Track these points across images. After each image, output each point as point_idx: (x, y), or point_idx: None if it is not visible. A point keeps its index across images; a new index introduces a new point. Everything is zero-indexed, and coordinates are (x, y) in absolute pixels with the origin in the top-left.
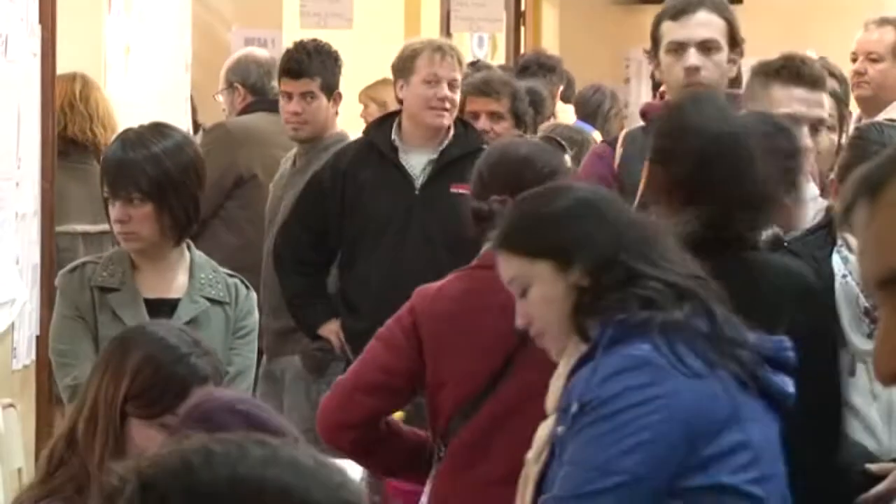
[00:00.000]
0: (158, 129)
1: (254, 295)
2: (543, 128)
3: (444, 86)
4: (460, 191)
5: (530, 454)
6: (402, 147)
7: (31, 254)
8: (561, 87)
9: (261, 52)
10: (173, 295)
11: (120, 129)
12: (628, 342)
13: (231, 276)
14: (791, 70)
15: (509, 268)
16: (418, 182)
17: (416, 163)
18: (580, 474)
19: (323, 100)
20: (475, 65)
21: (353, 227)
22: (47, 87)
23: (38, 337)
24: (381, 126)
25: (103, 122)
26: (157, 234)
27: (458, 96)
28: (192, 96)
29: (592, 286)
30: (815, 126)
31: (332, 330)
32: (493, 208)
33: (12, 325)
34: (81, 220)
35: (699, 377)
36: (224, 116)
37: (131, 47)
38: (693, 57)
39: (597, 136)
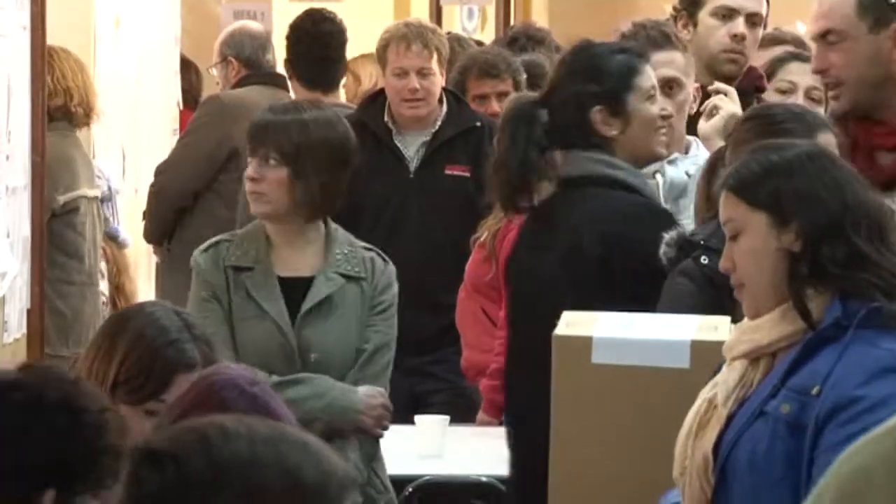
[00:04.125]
0: (313, 102)
1: (392, 268)
2: None
3: (412, 77)
4: (455, 173)
5: (713, 394)
6: (396, 129)
7: (22, 227)
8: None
9: (255, 26)
10: (308, 273)
11: (104, 102)
12: (883, 334)
13: (369, 249)
14: (632, 39)
15: (728, 209)
16: (412, 165)
17: (410, 145)
18: None
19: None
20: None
21: (349, 209)
22: (37, 61)
23: (28, 311)
24: (373, 106)
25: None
26: (287, 203)
27: (434, 80)
28: (199, 70)
29: (807, 254)
30: (667, 86)
31: None
32: None
33: (3, 298)
34: (87, 186)
35: None
36: (217, 89)
37: (121, 20)
38: (742, 25)
39: None
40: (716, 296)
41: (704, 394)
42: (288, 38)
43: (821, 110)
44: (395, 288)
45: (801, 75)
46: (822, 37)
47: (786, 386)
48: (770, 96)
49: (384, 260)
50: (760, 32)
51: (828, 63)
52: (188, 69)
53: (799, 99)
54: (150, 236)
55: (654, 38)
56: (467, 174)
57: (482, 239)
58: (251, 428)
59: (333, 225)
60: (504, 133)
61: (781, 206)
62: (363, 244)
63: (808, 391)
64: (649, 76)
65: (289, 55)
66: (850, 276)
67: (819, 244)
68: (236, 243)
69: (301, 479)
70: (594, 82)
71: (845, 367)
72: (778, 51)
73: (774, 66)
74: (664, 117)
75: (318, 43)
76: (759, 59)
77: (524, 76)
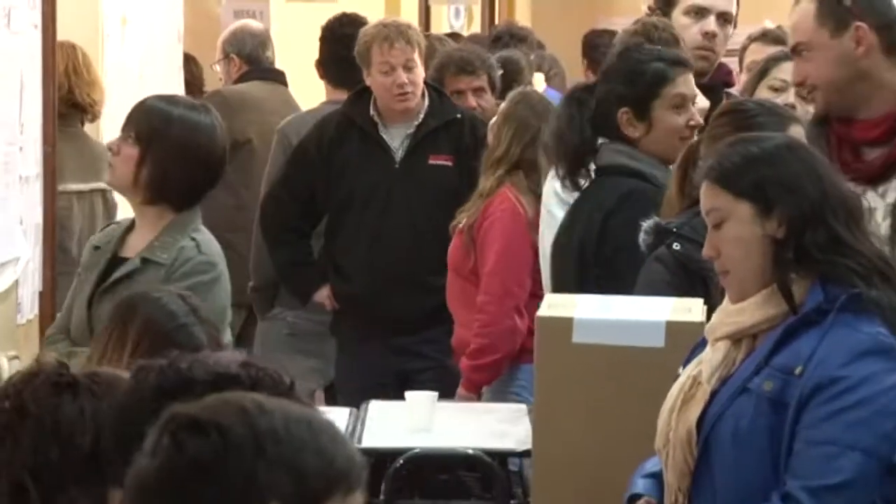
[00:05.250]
0: (195, 105)
1: (202, 259)
2: (511, 96)
3: (399, 72)
4: (439, 162)
5: (698, 371)
6: (381, 122)
7: (34, 214)
8: (532, 56)
9: (255, 24)
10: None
11: (111, 96)
12: (862, 318)
13: (193, 239)
14: (643, 37)
15: (710, 200)
16: (398, 156)
17: (395, 136)
18: (848, 457)
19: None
20: (427, 38)
21: (338, 197)
22: (48, 57)
23: (40, 293)
24: (358, 102)
25: (99, 88)
26: (129, 180)
27: (418, 72)
28: (198, 61)
29: (790, 241)
30: None
31: (324, 296)
32: None
33: (16, 281)
34: (75, 180)
35: None
36: (220, 85)
37: (127, 18)
38: (713, 24)
39: None
40: (688, 279)
41: (689, 371)
42: (319, 40)
43: (811, 108)
44: (200, 278)
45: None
46: (795, 51)
47: (769, 365)
48: (762, 93)
49: (199, 251)
50: (731, 30)
51: (804, 74)
52: (188, 61)
53: (790, 97)
54: None
55: (665, 39)
56: (450, 163)
57: (460, 226)
58: (283, 405)
59: (187, 216)
60: (562, 111)
61: (765, 194)
62: (195, 235)
63: (791, 370)
64: (681, 86)
65: (318, 56)
66: (831, 261)
67: (802, 231)
68: (117, 226)
69: (333, 461)
70: (626, 85)
71: (827, 349)
72: (774, 49)
73: (768, 65)
74: (692, 127)
75: (340, 45)
76: (757, 53)
77: (499, 72)
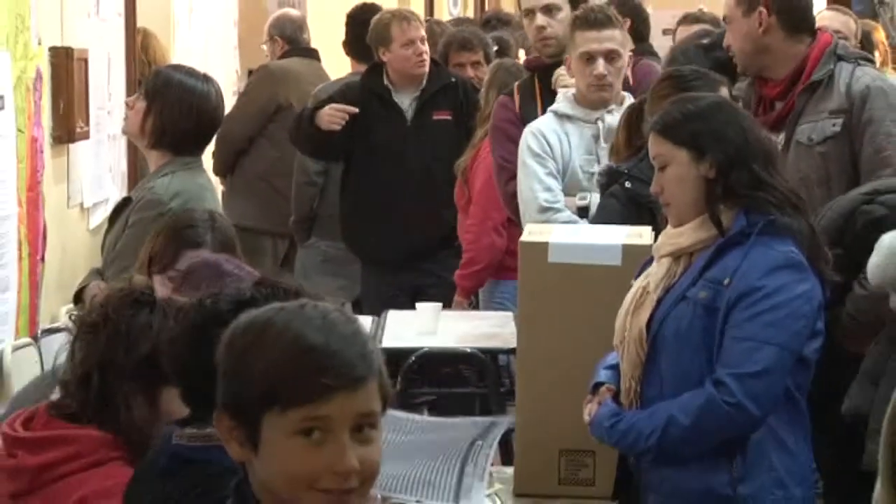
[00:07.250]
0: (196, 74)
1: (151, 196)
2: (490, 67)
3: (419, 44)
4: (441, 117)
5: (646, 283)
6: (393, 89)
7: (121, 164)
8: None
9: (294, 12)
10: None
11: None
12: (777, 239)
13: (164, 177)
14: (582, 18)
15: (656, 147)
16: (408, 115)
17: (405, 100)
18: (766, 351)
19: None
20: (428, 21)
21: (361, 150)
22: (130, 39)
23: None
24: (374, 74)
25: (159, 65)
26: (136, 128)
27: (426, 45)
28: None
29: (719, 180)
30: (610, 56)
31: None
32: None
33: (107, 218)
34: None
35: (814, 275)
36: (266, 61)
37: (193, 7)
38: (541, 19)
39: None
40: (637, 211)
41: (639, 283)
42: (344, 25)
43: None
44: (143, 214)
45: None
46: (725, 21)
47: (703, 278)
48: None
49: (153, 191)
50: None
51: (729, 40)
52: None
53: None
54: (216, 170)
55: (601, 20)
56: (449, 117)
57: (462, 169)
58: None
59: (179, 161)
60: None
61: (699, 143)
62: (164, 177)
63: (720, 282)
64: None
65: (344, 38)
66: (752, 196)
67: (728, 172)
68: None
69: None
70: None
71: (749, 264)
72: (697, 27)
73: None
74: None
75: (362, 28)
76: (684, 32)
77: (494, 49)
